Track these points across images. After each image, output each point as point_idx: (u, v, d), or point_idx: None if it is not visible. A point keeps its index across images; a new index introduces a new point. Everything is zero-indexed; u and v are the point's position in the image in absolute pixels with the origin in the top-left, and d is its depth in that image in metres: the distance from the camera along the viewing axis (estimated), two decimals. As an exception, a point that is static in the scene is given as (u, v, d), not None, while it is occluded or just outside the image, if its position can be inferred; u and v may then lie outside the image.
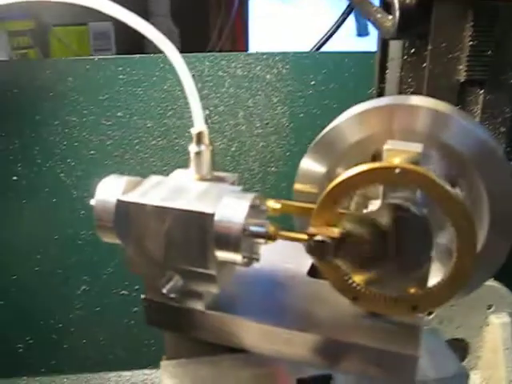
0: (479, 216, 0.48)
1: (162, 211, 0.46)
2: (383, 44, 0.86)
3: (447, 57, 0.84)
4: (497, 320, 0.92)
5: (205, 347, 0.50)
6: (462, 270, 0.43)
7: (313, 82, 1.03)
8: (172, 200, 0.46)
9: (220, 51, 1.44)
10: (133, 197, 0.47)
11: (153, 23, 1.62)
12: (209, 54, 1.01)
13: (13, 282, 1.07)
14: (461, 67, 0.84)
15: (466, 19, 0.81)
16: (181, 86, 0.98)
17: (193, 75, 1.04)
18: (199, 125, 0.50)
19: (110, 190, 0.48)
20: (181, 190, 0.48)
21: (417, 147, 0.43)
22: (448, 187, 0.42)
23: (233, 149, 1.05)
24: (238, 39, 1.45)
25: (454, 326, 0.93)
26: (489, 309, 0.93)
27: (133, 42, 1.47)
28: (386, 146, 0.44)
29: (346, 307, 0.48)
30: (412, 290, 0.45)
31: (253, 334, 0.47)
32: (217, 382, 0.46)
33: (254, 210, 0.46)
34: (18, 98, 0.97)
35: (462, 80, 0.85)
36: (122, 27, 1.46)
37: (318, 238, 0.44)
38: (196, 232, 0.45)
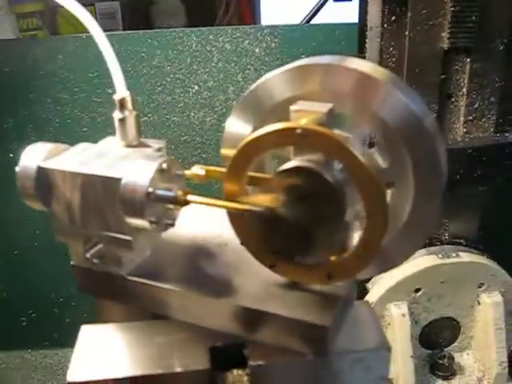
0: (404, 185, 0.46)
1: (75, 177, 0.46)
2: (362, 12, 0.83)
3: (428, 23, 0.80)
4: (488, 299, 0.89)
5: (134, 313, 0.51)
6: (372, 237, 0.42)
7: (303, 56, 1.01)
8: (87, 166, 0.46)
9: (228, 25, 1.43)
10: (52, 163, 0.47)
11: (160, 2, 1.61)
12: (195, 28, 1.00)
13: (15, 257, 1.10)
14: (444, 34, 0.81)
15: (447, -18, 0.77)
16: (170, 62, 0.98)
17: (181, 50, 1.04)
18: (121, 91, 0.49)
19: (32, 157, 0.48)
20: (101, 156, 0.48)
21: (324, 107, 0.42)
22: (353, 150, 0.40)
23: (223, 124, 1.04)
24: (245, 14, 1.43)
25: (444, 304, 0.90)
26: (480, 287, 0.89)
27: (139, 21, 1.48)
28: (292, 107, 0.42)
29: (270, 276, 0.47)
30: (329, 259, 0.44)
31: (171, 300, 0.47)
32: (130, 346, 0.46)
33: (166, 174, 0.45)
34: (11, 76, 0.99)
35: (446, 48, 0.82)
36: (128, 7, 1.47)
37: (235, 205, 0.43)
38: (108, 197, 0.45)
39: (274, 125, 0.42)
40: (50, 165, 0.47)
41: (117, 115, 0.49)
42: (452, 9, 0.77)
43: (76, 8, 0.48)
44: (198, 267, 0.49)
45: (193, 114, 1.05)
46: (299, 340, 0.44)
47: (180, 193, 0.44)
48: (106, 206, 0.46)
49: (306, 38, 1.01)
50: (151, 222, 0.44)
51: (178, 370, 0.43)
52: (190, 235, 0.53)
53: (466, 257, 0.88)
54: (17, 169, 0.48)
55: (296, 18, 1.14)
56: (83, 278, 0.51)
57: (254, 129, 0.49)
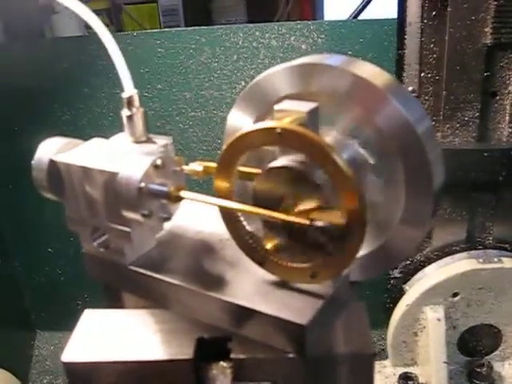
0: (396, 186, 0.45)
1: (80, 170, 0.49)
2: (401, 6, 0.81)
3: (470, 18, 0.77)
4: (533, 308, 0.84)
5: (137, 301, 0.53)
6: (352, 236, 0.41)
7: (350, 52, 1.00)
8: (92, 160, 0.49)
9: (287, 20, 1.44)
10: (62, 157, 0.50)
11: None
12: (242, 25, 1.02)
13: (71, 242, 1.17)
14: (487, 30, 0.77)
15: (490, -24, 0.74)
16: (218, 58, 1.00)
17: (228, 46, 1.06)
18: (129, 89, 0.51)
19: (46, 151, 0.51)
20: (109, 151, 0.50)
21: (307, 107, 0.42)
22: (332, 152, 0.40)
23: (267, 120, 1.05)
24: (305, 9, 1.42)
25: (484, 311, 0.87)
26: (523, 295, 0.85)
27: (201, 18, 1.51)
28: (276, 106, 0.43)
29: (263, 273, 0.48)
30: (313, 259, 0.44)
31: (166, 292, 0.49)
32: (125, 333, 0.48)
33: (163, 171, 0.47)
34: (68, 73, 1.05)
35: (489, 43, 0.78)
36: (190, 3, 1.50)
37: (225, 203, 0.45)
38: (108, 190, 0.47)
39: (256, 124, 0.42)
40: (60, 158, 0.50)
41: (125, 112, 0.52)
42: (495, 3, 0.74)
43: (78, 7, 0.50)
44: (197, 261, 0.51)
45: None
46: (280, 338, 0.44)
47: (172, 188, 0.46)
48: (108, 199, 0.48)
49: (353, 33, 0.99)
50: (144, 216, 0.46)
51: (164, 357, 0.45)
52: (196, 229, 0.55)
53: (508, 262, 0.84)
54: (32, 161, 0.52)
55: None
56: (92, 264, 0.54)
57: (256, 122, 0.49)
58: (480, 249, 0.87)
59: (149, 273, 0.50)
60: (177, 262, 0.51)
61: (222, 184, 0.45)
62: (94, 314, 0.51)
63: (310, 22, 1.01)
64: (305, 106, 0.42)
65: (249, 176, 0.46)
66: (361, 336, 0.46)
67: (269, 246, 0.46)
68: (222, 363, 0.45)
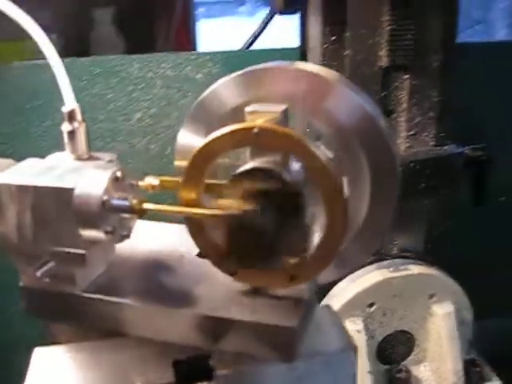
0: (360, 185, 0.46)
1: (24, 190, 0.44)
2: (303, 33, 0.85)
3: (367, 43, 0.83)
4: (440, 310, 0.90)
5: (88, 334, 0.48)
6: (332, 237, 0.42)
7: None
8: (37, 178, 0.44)
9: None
10: (-2, 178, 0.45)
11: (97, 31, 1.60)
12: (136, 55, 1.00)
13: None
14: (382, 53, 0.84)
15: (383, 2, 0.80)
16: (112, 89, 0.96)
17: (123, 77, 1.03)
18: (70, 103, 0.48)
19: (-24, 173, 0.46)
20: (51, 169, 0.46)
21: (279, 108, 0.42)
22: (313, 148, 0.40)
23: (167, 151, 1.03)
24: (183, 41, 1.44)
25: (397, 318, 0.91)
26: (431, 298, 0.90)
27: (78, 50, 1.46)
28: (247, 108, 0.42)
29: (231, 285, 0.46)
30: (291, 261, 0.43)
31: (129, 315, 0.45)
32: (87, 367, 0.43)
33: (120, 184, 0.44)
34: None
35: (385, 66, 0.85)
36: (65, 36, 1.41)
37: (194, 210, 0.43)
38: (59, 209, 0.43)
39: (230, 126, 0.41)
40: (-5, 180, 0.45)
41: (66, 127, 0.48)
42: (389, 27, 0.80)
43: (20, 16, 0.46)
44: (156, 280, 0.48)
45: (136, 142, 1.04)
46: (265, 345, 0.43)
47: (135, 201, 0.43)
48: (58, 220, 0.44)
49: (246, 63, 1.01)
50: (106, 233, 0.42)
51: (143, 386, 0.41)
52: (145, 249, 0.52)
53: (415, 269, 0.89)
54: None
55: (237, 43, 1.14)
56: (33, 299, 0.48)
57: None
58: (387, 259, 0.92)
59: (107, 297, 0.46)
60: (134, 283, 0.47)
61: (188, 196, 0.44)
62: (45, 352, 0.45)
63: (206, 53, 1.02)
64: (276, 107, 0.42)
65: (215, 189, 0.44)
66: (339, 334, 0.46)
67: (240, 254, 0.44)
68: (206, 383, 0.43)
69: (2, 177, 0.45)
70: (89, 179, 0.42)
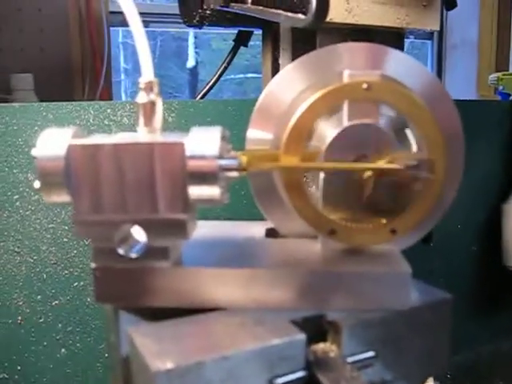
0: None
1: (122, 149, 0.41)
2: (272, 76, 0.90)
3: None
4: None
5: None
6: (432, 183, 0.44)
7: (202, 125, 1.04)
8: (134, 139, 0.42)
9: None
10: (85, 141, 0.42)
11: (16, 98, 1.55)
12: (93, 102, 0.98)
13: None
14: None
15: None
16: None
17: (78, 124, 0.99)
18: (148, 74, 0.46)
19: (56, 138, 0.42)
20: (136, 137, 0.44)
21: (376, 73, 0.45)
22: (417, 98, 0.43)
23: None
24: (103, 94, 1.43)
25: None
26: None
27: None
28: (346, 72, 0.45)
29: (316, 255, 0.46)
30: (392, 215, 0.45)
31: (228, 284, 0.43)
32: (199, 335, 0.39)
33: (223, 143, 0.43)
34: None
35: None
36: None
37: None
38: (164, 169, 0.41)
39: (334, 84, 0.43)
40: (84, 142, 0.41)
41: (142, 98, 0.46)
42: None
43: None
44: (244, 250, 0.46)
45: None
46: (382, 294, 0.43)
47: (244, 159, 0.42)
48: (158, 181, 0.41)
49: (201, 113, 1.04)
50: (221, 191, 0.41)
51: (276, 342, 0.38)
52: (211, 230, 0.50)
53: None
54: (34, 152, 0.42)
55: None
56: (107, 283, 0.44)
57: (275, 134, 0.49)
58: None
59: (202, 269, 0.43)
60: (222, 255, 0.45)
61: (291, 160, 0.44)
62: (143, 328, 0.40)
63: (165, 101, 1.02)
64: (373, 72, 0.45)
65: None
66: (429, 288, 0.47)
67: (337, 214, 0.45)
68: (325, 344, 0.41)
69: (90, 141, 0.42)
70: (200, 138, 0.41)
